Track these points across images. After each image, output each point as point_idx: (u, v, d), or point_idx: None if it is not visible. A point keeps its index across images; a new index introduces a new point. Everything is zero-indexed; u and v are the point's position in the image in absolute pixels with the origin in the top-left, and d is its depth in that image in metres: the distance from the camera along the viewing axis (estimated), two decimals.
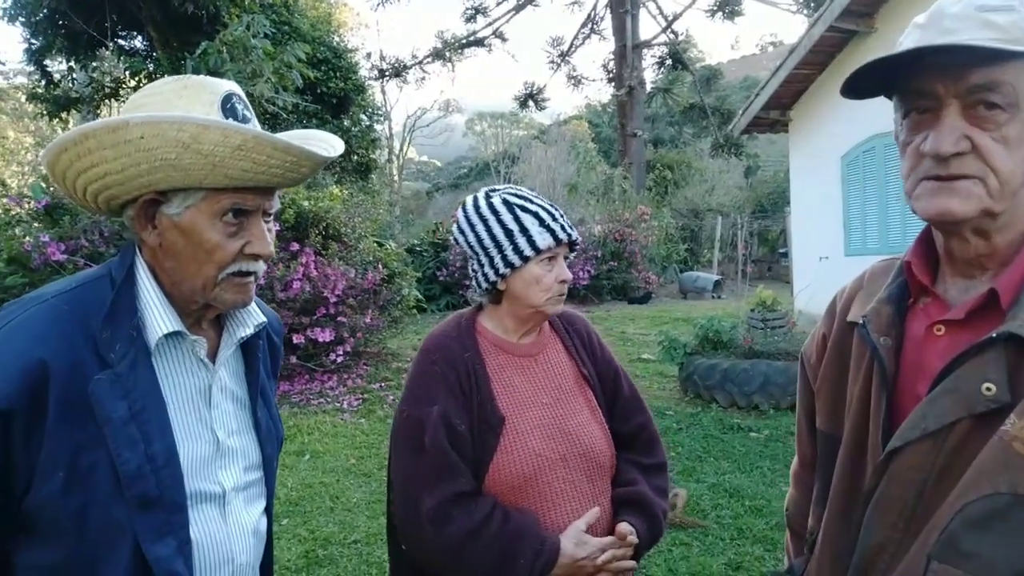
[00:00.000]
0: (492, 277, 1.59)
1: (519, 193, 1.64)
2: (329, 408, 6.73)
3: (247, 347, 1.27)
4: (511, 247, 1.56)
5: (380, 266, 7.90)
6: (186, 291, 1.14)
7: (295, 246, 7.18)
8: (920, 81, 0.92)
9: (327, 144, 1.19)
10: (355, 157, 12.95)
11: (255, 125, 1.14)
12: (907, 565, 0.90)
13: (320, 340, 7.05)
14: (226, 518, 1.17)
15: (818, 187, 9.41)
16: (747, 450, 5.40)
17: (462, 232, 1.64)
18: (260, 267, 1.17)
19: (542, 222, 1.57)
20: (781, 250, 20.76)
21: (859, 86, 0.98)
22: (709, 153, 24.32)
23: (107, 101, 9.14)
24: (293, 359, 7.14)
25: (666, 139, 32.11)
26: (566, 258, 1.65)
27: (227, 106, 1.11)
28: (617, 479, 1.65)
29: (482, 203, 1.62)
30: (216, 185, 1.07)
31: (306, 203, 7.25)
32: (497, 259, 1.57)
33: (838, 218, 8.95)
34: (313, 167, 1.15)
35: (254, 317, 1.25)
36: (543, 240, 1.55)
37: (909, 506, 0.93)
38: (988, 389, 0.86)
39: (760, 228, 23.79)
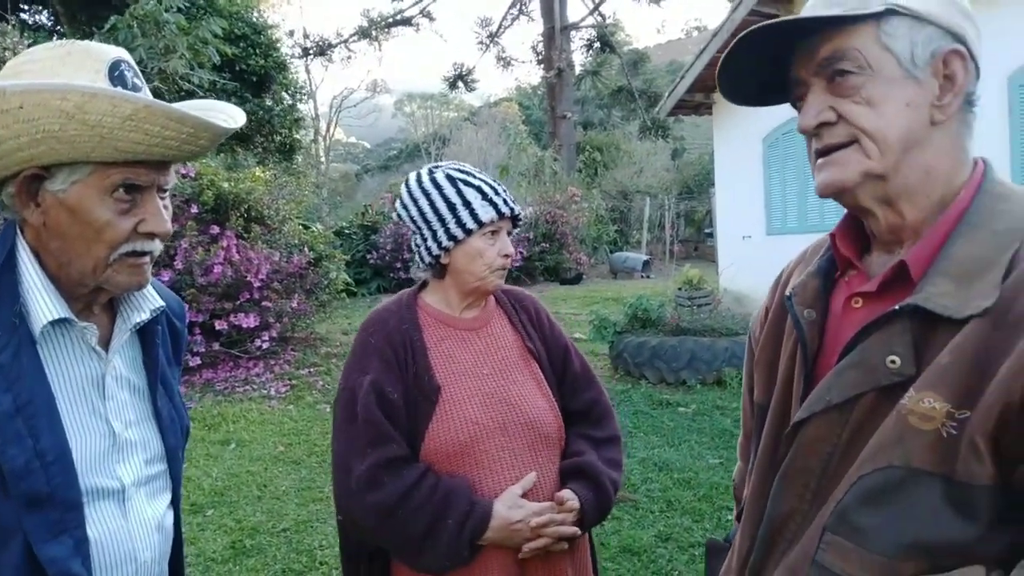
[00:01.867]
0: (435, 251, 1.60)
1: (462, 168, 1.65)
2: (255, 395, 6.55)
3: (144, 333, 1.19)
4: (454, 220, 1.57)
5: (306, 249, 7.71)
6: (74, 274, 1.05)
7: (215, 229, 6.92)
8: (791, 72, 0.96)
9: (227, 115, 1.11)
10: (277, 137, 12.54)
11: (146, 94, 1.06)
12: (807, 537, 0.91)
13: (244, 326, 6.84)
14: (127, 514, 1.10)
15: (741, 168, 9.63)
16: (675, 425, 5.52)
17: (405, 207, 1.64)
18: (156, 246, 1.09)
19: (484, 196, 1.58)
20: (707, 230, 21.26)
21: (747, 93, 1.02)
22: (637, 135, 24.67)
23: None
24: (216, 346, 6.91)
25: (595, 121, 32.39)
26: (509, 233, 1.65)
27: (115, 73, 1.03)
28: (566, 451, 1.66)
29: (425, 178, 1.63)
30: (105, 159, 0.99)
31: (226, 184, 6.98)
32: (440, 232, 1.58)
33: (760, 198, 9.19)
34: (212, 139, 1.08)
35: (150, 301, 1.17)
36: (486, 213, 1.57)
37: (815, 477, 0.92)
38: (892, 362, 0.86)
39: (687, 209, 24.29)
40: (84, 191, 1.01)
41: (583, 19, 22.55)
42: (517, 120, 34.99)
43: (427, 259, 1.63)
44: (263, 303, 6.97)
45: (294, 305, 7.32)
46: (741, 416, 1.29)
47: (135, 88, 1.04)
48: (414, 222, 1.63)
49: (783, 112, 7.81)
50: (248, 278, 6.81)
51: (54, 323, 1.03)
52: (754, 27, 0.90)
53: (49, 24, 9.10)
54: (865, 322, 0.90)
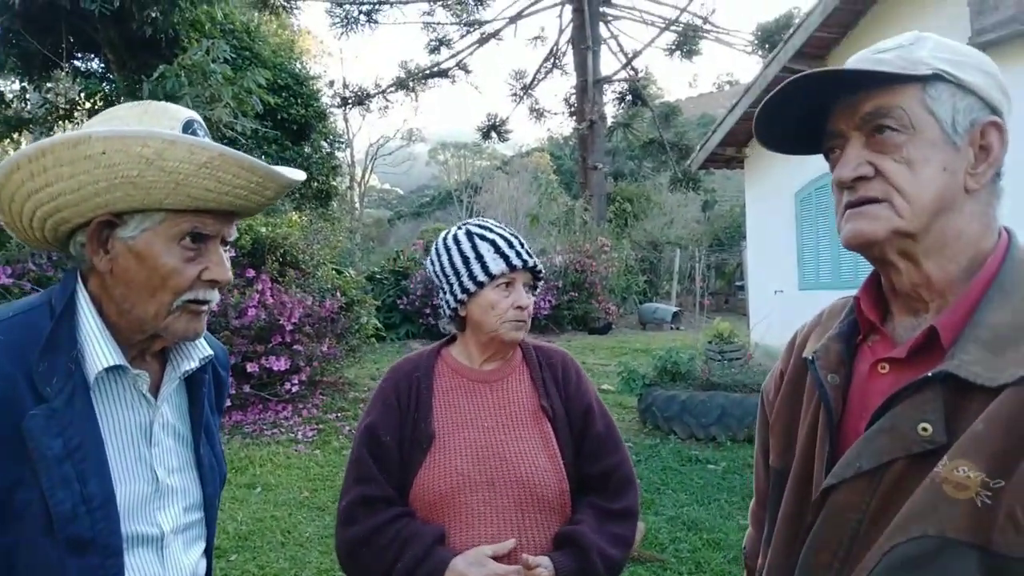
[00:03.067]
0: (453, 304, 1.65)
1: (483, 224, 1.70)
2: (283, 439, 6.57)
3: (192, 381, 1.22)
4: (467, 274, 1.62)
5: (338, 294, 7.80)
6: (135, 320, 1.09)
7: (251, 272, 7.05)
8: (829, 124, 0.97)
9: (290, 172, 1.17)
10: (315, 184, 12.82)
11: None
12: None
13: (275, 369, 6.90)
14: (164, 561, 1.12)
15: (772, 222, 9.61)
16: (705, 482, 5.41)
17: (431, 263, 1.72)
18: (215, 296, 1.13)
19: (497, 249, 1.62)
20: (738, 283, 21.10)
21: (781, 138, 1.03)
22: (668, 187, 24.74)
23: (61, 123, 8.93)
24: (247, 388, 6.97)
25: (626, 172, 32.59)
26: (532, 287, 1.68)
27: (188, 131, 1.08)
28: (571, 519, 1.61)
29: (450, 235, 1.70)
30: (177, 206, 1.04)
31: (263, 229, 7.14)
32: (456, 286, 1.63)
33: (792, 253, 9.14)
34: (277, 190, 1.13)
35: (200, 350, 1.20)
36: (496, 266, 1.60)
37: (844, 546, 0.91)
38: (924, 429, 0.85)
39: (717, 261, 24.20)
40: (153, 238, 1.05)
41: (615, 73, 22.92)
42: (548, 170, 35.34)
43: (448, 312, 1.68)
44: (294, 346, 7.04)
45: (324, 349, 7.38)
46: (754, 482, 1.27)
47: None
48: (436, 277, 1.69)
49: (815, 167, 7.78)
50: (281, 321, 6.90)
51: (108, 370, 1.06)
52: (804, 73, 0.91)
53: (100, 71, 9.51)
54: (893, 388, 0.90)
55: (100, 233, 1.05)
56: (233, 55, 7.67)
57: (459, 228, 1.70)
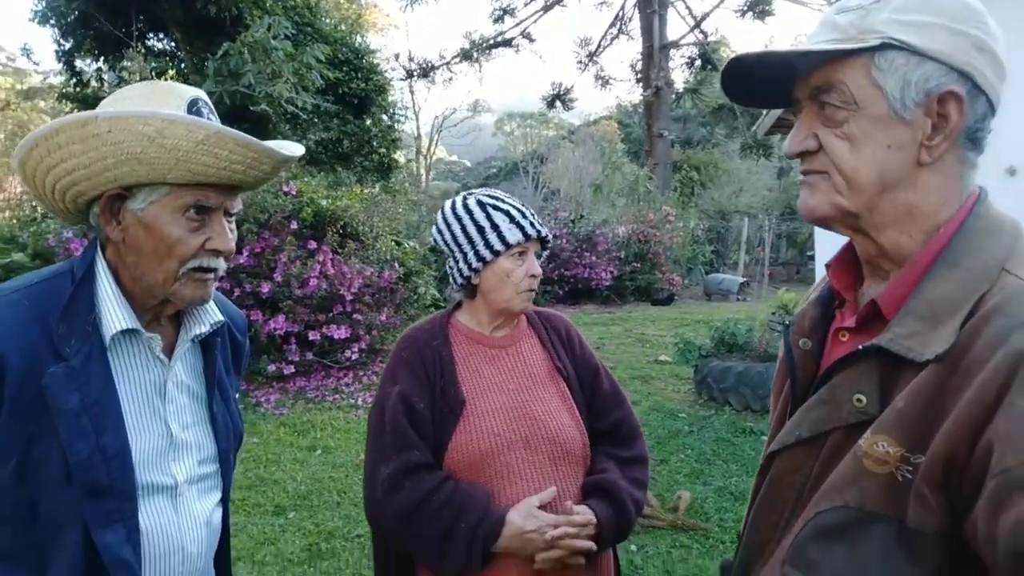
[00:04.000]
0: (466, 272, 1.68)
1: (492, 194, 1.73)
2: (343, 404, 6.81)
3: (206, 344, 1.31)
4: (483, 242, 1.65)
5: (397, 265, 7.97)
6: (146, 286, 1.18)
7: (312, 244, 7.27)
8: (794, 89, 0.95)
9: (287, 147, 1.23)
10: (376, 156, 13.03)
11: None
12: (771, 565, 0.93)
13: (336, 337, 7.13)
14: (178, 509, 1.21)
15: None
16: (757, 454, 5.35)
17: (440, 232, 1.74)
18: (221, 264, 1.21)
19: (512, 219, 1.66)
20: (809, 253, 20.48)
21: (752, 97, 1.02)
22: (739, 154, 24.09)
23: None
24: (309, 355, 7.23)
25: (696, 140, 31.86)
26: (539, 256, 1.72)
27: (193, 109, 1.15)
28: (591, 469, 1.69)
29: (458, 204, 1.72)
30: (179, 180, 1.11)
31: (324, 202, 7.34)
32: (470, 254, 1.66)
33: None
34: (273, 165, 1.19)
35: (211, 316, 1.29)
36: (512, 235, 1.64)
37: (789, 509, 0.93)
38: (859, 400, 0.86)
39: (789, 230, 23.49)
40: (160, 210, 1.13)
41: (683, 37, 22.36)
42: (616, 138, 34.85)
43: (459, 280, 1.71)
44: (354, 315, 7.25)
45: (383, 318, 7.57)
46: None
47: (210, 120, 1.17)
48: (447, 246, 1.72)
49: None
50: (341, 291, 7.11)
51: (123, 332, 1.16)
52: (748, 53, 0.91)
53: (169, 49, 9.88)
54: (838, 359, 0.90)
55: (112, 205, 1.14)
56: (294, 31, 7.84)
57: (468, 197, 1.73)
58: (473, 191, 1.77)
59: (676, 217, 16.47)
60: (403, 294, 7.93)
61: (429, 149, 37.77)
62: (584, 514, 1.56)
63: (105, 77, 9.55)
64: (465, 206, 1.71)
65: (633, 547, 3.79)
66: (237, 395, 1.42)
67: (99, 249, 1.20)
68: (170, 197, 1.13)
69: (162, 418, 1.21)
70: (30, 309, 1.11)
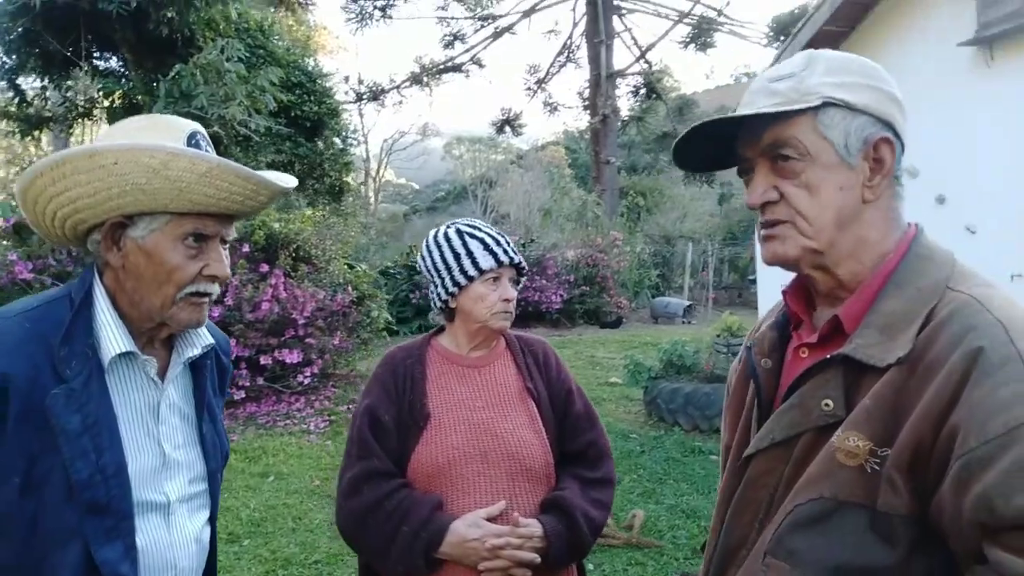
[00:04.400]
0: (444, 296, 1.78)
1: (471, 223, 1.83)
2: (295, 430, 6.74)
3: (195, 366, 1.36)
4: (458, 268, 1.75)
5: (350, 288, 7.95)
6: (144, 311, 1.22)
7: (265, 267, 7.22)
8: (738, 150, 1.07)
9: (282, 179, 1.29)
10: (328, 180, 12.98)
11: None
12: (751, 560, 1.01)
13: (288, 362, 7.07)
14: (170, 527, 1.25)
15: None
16: (706, 472, 5.51)
17: (423, 258, 1.85)
18: (215, 289, 1.26)
19: (486, 247, 1.76)
20: (751, 277, 21.07)
21: (695, 160, 1.16)
22: (682, 180, 24.71)
23: (80, 120, 9.13)
24: (260, 380, 7.14)
25: (641, 166, 32.55)
26: (516, 282, 1.83)
27: (192, 141, 1.21)
28: (555, 488, 1.76)
29: (440, 233, 1.83)
30: (180, 210, 1.17)
31: (277, 225, 7.30)
32: (447, 280, 1.77)
33: None
34: (270, 196, 1.26)
35: (202, 339, 1.34)
36: (486, 262, 1.74)
37: (763, 508, 1.03)
38: (827, 404, 0.96)
39: (731, 255, 24.15)
40: (160, 238, 1.18)
41: (629, 67, 22.92)
42: (563, 164, 35.34)
43: (439, 303, 1.81)
44: (307, 340, 7.21)
45: (336, 342, 7.54)
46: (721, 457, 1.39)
47: (207, 153, 1.23)
48: (428, 272, 1.82)
49: None
50: (294, 315, 7.06)
51: (120, 355, 1.20)
52: (709, 119, 1.03)
53: (118, 69, 9.70)
54: (803, 370, 1.02)
55: (113, 233, 1.19)
56: (247, 54, 7.83)
57: (449, 227, 1.83)
58: (456, 221, 1.86)
59: (623, 242, 16.80)
60: (356, 317, 7.91)
61: (378, 172, 37.66)
62: (530, 527, 1.63)
63: (49, 96, 9.33)
64: (445, 235, 1.81)
65: (590, 565, 3.87)
66: (222, 416, 1.46)
67: (96, 274, 1.24)
68: (170, 225, 1.18)
69: (156, 438, 1.25)
70: (31, 331, 1.14)
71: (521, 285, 1.87)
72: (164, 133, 1.19)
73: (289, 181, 1.30)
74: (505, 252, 1.77)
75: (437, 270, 1.79)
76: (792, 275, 1.13)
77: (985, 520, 0.81)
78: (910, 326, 0.94)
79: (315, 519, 4.74)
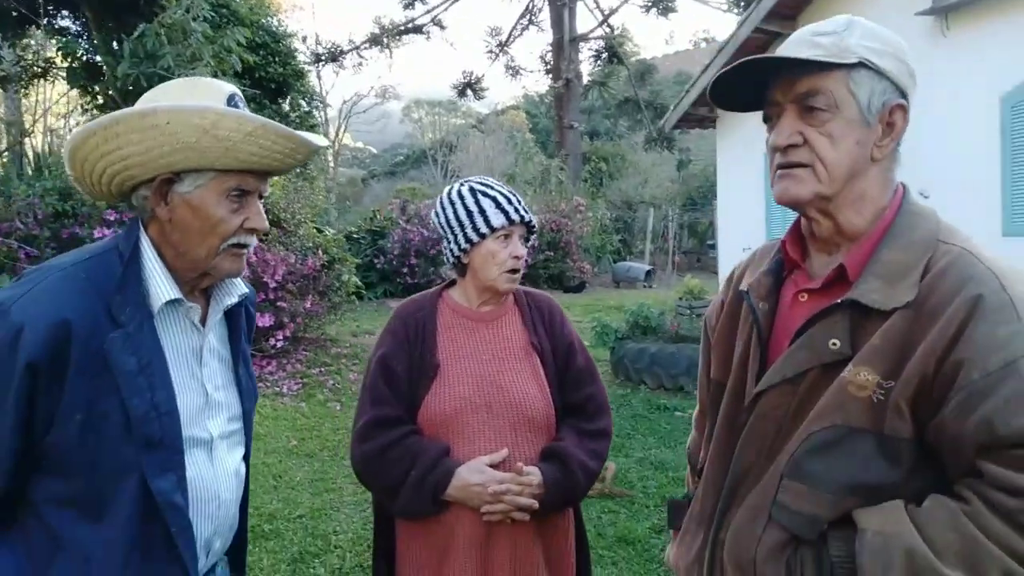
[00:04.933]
0: (456, 252, 1.86)
1: (484, 182, 1.90)
2: (269, 392, 6.79)
3: (230, 314, 1.45)
4: (470, 226, 1.83)
5: (320, 252, 7.96)
6: (189, 261, 1.30)
7: None
8: (769, 94, 1.16)
9: (317, 138, 1.38)
10: None
11: None
12: (765, 483, 1.13)
13: (260, 325, 7.09)
14: (213, 461, 1.35)
15: (743, 181, 9.85)
16: (672, 427, 5.76)
17: (436, 215, 1.92)
18: (253, 241, 1.35)
19: (498, 205, 1.83)
20: (710, 242, 21.47)
21: (729, 100, 1.24)
22: (643, 146, 24.90)
23: (36, 81, 8.84)
24: None
25: (602, 131, 32.65)
26: (525, 239, 1.90)
27: (231, 103, 1.28)
28: (554, 438, 1.87)
29: (454, 190, 1.90)
30: (225, 167, 1.25)
31: None
32: (460, 236, 1.84)
33: (760, 210, 9.41)
34: (307, 154, 1.34)
35: (239, 288, 1.43)
36: (497, 220, 1.82)
37: (771, 438, 1.14)
38: (834, 344, 1.07)
39: (690, 220, 24.53)
40: (205, 193, 1.26)
41: (592, 30, 22.84)
42: (524, 128, 35.22)
43: (451, 259, 1.90)
44: (278, 303, 7.23)
45: (307, 306, 7.57)
46: (698, 393, 1.52)
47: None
48: (442, 227, 1.90)
49: None
50: (265, 279, 7.06)
51: (168, 303, 1.28)
52: (752, 58, 1.11)
53: (78, 29, 9.39)
54: (811, 313, 1.13)
55: (162, 188, 1.26)
56: (212, 13, 7.66)
57: (463, 184, 1.90)
58: (470, 179, 1.93)
59: (586, 207, 16.96)
60: (326, 281, 7.94)
61: (337, 135, 37.07)
62: (530, 475, 1.74)
63: (4, 55, 8.99)
64: (459, 192, 1.88)
65: None
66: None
67: (141, 227, 1.32)
68: (215, 182, 1.26)
69: (199, 380, 1.34)
70: (87, 280, 1.22)
71: (531, 243, 1.94)
72: (206, 94, 1.26)
73: (322, 141, 1.39)
74: (516, 210, 1.84)
75: (450, 226, 1.86)
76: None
77: (985, 440, 0.95)
78: (911, 274, 1.06)
79: (295, 476, 4.85)
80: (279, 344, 7.32)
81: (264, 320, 7.08)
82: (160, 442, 1.23)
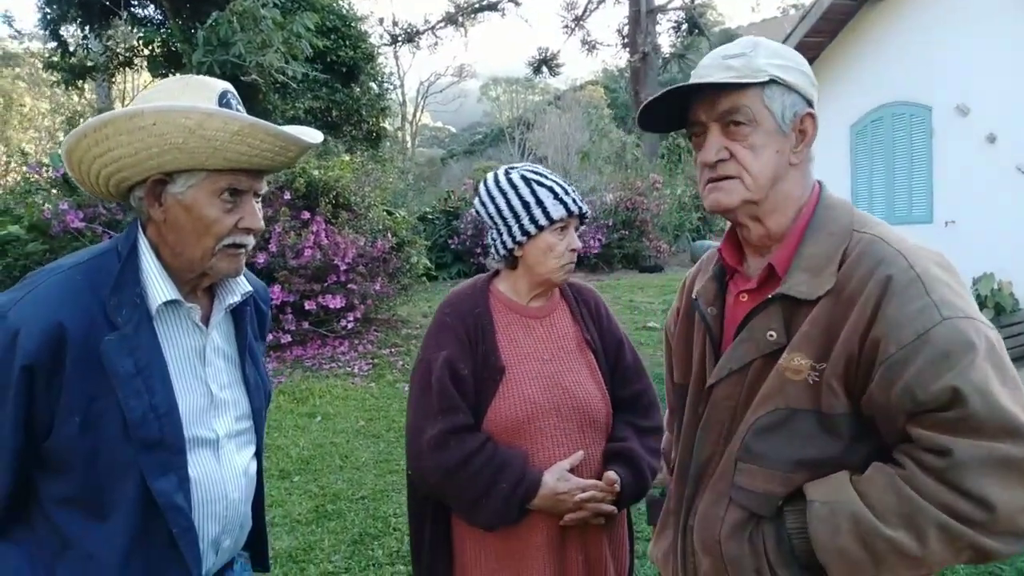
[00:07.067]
0: (510, 244, 1.77)
1: (535, 169, 1.82)
2: (340, 372, 6.94)
3: (236, 312, 1.43)
4: (527, 217, 1.74)
5: (389, 234, 8.04)
6: (185, 262, 1.29)
7: (306, 214, 7.33)
8: (692, 114, 1.26)
9: (309, 134, 1.34)
10: (365, 126, 12.96)
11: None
12: (723, 467, 1.23)
13: (331, 307, 7.24)
14: (220, 460, 1.34)
15: (827, 155, 9.37)
16: None
17: (483, 204, 1.82)
18: (250, 241, 1.33)
19: (556, 195, 1.75)
20: None
21: (655, 123, 1.35)
22: None
23: (121, 69, 9.25)
24: (306, 325, 7.34)
25: None
26: (577, 229, 1.82)
27: (223, 101, 1.26)
28: (612, 436, 1.81)
29: (502, 178, 1.81)
30: (216, 167, 1.23)
31: (316, 172, 7.37)
32: (515, 228, 1.75)
33: (846, 186, 8.94)
34: (298, 152, 1.31)
35: (241, 286, 1.40)
36: (556, 211, 1.74)
37: (725, 425, 1.24)
38: (771, 335, 1.18)
39: None
40: (198, 193, 1.24)
41: (670, 1, 22.20)
42: (602, 104, 34.68)
43: (502, 252, 1.79)
44: (349, 285, 7.35)
45: (377, 288, 7.68)
46: (665, 397, 1.57)
47: (238, 112, 1.27)
48: (491, 218, 1.79)
49: (872, 99, 7.72)
50: (335, 261, 7.19)
51: (167, 303, 1.27)
52: (676, 86, 1.22)
53: (157, 18, 9.74)
54: (749, 310, 1.23)
55: (155, 189, 1.25)
56: None
57: (510, 172, 1.81)
58: (516, 165, 1.84)
59: (663, 184, 16.55)
60: (396, 264, 8.02)
61: (415, 116, 37.50)
62: (614, 481, 1.70)
63: (91, 46, 9.44)
64: (509, 180, 1.78)
65: None
66: (263, 358, 1.53)
67: (140, 228, 1.30)
68: (207, 181, 1.24)
69: (203, 380, 1.33)
70: (83, 283, 1.22)
71: (579, 232, 1.85)
72: (198, 93, 1.24)
73: (315, 136, 1.34)
74: (574, 201, 1.76)
75: (503, 217, 1.76)
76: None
77: (908, 408, 1.04)
78: (830, 264, 1.16)
79: (361, 457, 4.92)
80: (349, 325, 7.45)
81: (335, 302, 7.23)
82: (159, 443, 1.22)
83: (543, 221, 1.72)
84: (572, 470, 1.71)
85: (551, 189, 1.75)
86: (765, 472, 1.15)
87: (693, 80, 1.23)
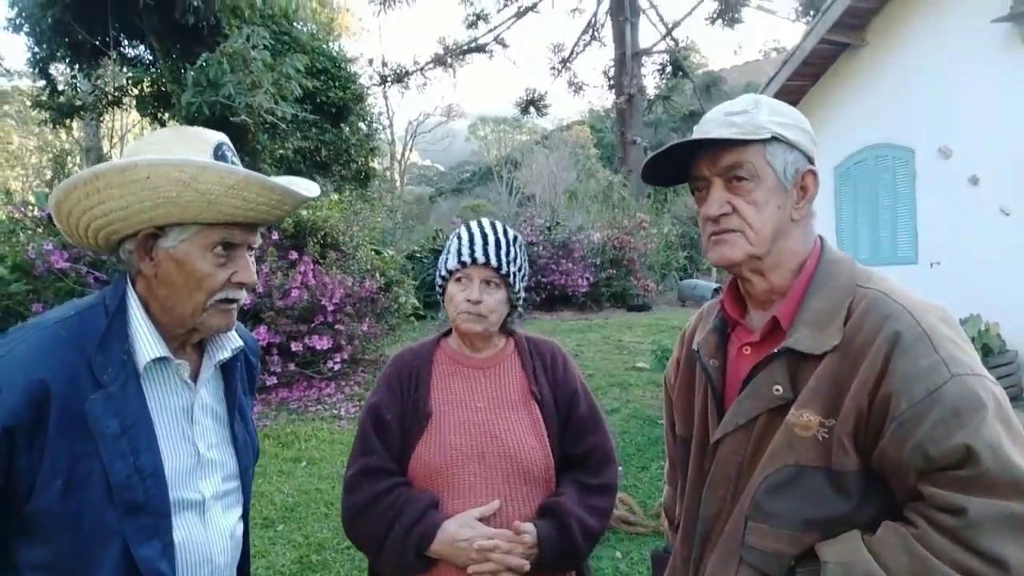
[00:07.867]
0: (439, 293, 1.84)
1: (480, 220, 1.83)
2: (327, 415, 6.82)
3: (226, 368, 1.39)
4: (442, 265, 1.80)
5: (378, 274, 8.00)
6: (176, 317, 1.25)
7: (294, 255, 7.28)
8: (694, 169, 1.27)
9: (305, 187, 1.31)
10: (354, 165, 13.01)
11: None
12: (732, 526, 1.21)
13: (318, 348, 7.14)
14: (206, 523, 1.29)
15: None
16: None
17: None
18: (243, 296, 1.29)
19: (460, 246, 1.75)
20: None
21: (659, 177, 1.35)
22: None
23: (110, 108, 9.25)
24: (291, 366, 7.23)
25: None
26: (497, 285, 1.76)
27: (218, 153, 1.24)
28: (553, 492, 1.74)
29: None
30: (209, 220, 1.20)
31: (304, 212, 7.34)
32: (437, 278, 1.83)
33: (830, 227, 9.03)
34: (293, 205, 1.28)
35: (232, 341, 1.36)
36: (451, 262, 1.76)
37: (732, 482, 1.23)
38: (777, 390, 1.17)
39: None
40: (190, 248, 1.21)
41: (655, 44, 22.60)
42: (589, 144, 35.03)
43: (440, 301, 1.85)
44: (336, 326, 7.27)
45: (365, 328, 7.60)
46: (666, 450, 1.56)
47: (233, 164, 1.24)
48: None
49: (854, 142, 7.79)
50: (323, 302, 7.12)
51: (155, 360, 1.23)
52: (678, 142, 1.23)
53: (146, 58, 9.79)
54: (754, 364, 1.23)
55: (146, 243, 1.22)
56: (272, 40, 7.85)
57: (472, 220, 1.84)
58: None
59: (650, 223, 16.66)
60: (384, 303, 7.96)
61: (403, 154, 37.72)
62: (525, 532, 1.62)
63: (80, 85, 9.45)
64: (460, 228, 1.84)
65: (618, 554, 3.88)
66: (252, 413, 1.49)
67: (129, 282, 1.26)
68: (200, 235, 1.21)
69: (190, 439, 1.29)
70: (69, 339, 1.18)
71: (519, 288, 1.81)
72: (192, 146, 1.22)
73: (312, 189, 1.32)
74: (475, 251, 1.72)
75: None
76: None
77: (920, 465, 1.04)
78: (836, 319, 1.16)
79: None
80: (336, 367, 7.35)
81: (322, 343, 7.14)
82: (144, 507, 1.17)
83: (443, 271, 1.78)
84: (489, 520, 1.63)
85: (460, 239, 1.77)
86: (776, 531, 1.14)
87: (696, 136, 1.24)
